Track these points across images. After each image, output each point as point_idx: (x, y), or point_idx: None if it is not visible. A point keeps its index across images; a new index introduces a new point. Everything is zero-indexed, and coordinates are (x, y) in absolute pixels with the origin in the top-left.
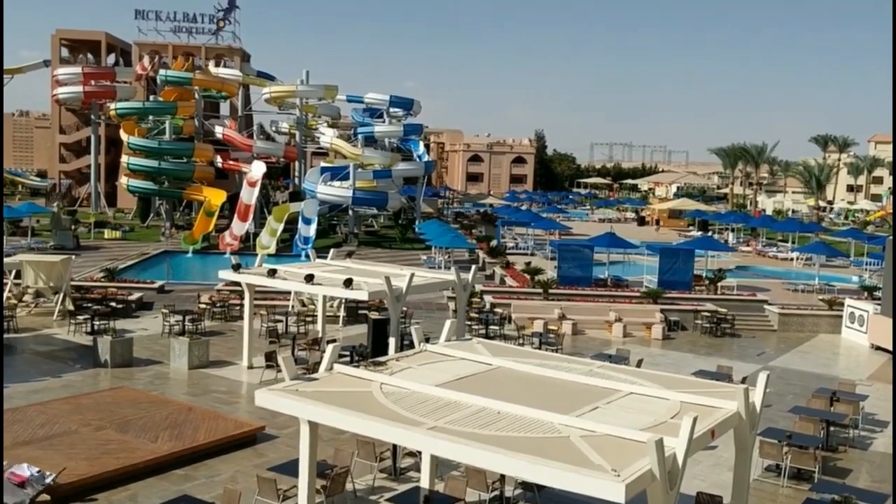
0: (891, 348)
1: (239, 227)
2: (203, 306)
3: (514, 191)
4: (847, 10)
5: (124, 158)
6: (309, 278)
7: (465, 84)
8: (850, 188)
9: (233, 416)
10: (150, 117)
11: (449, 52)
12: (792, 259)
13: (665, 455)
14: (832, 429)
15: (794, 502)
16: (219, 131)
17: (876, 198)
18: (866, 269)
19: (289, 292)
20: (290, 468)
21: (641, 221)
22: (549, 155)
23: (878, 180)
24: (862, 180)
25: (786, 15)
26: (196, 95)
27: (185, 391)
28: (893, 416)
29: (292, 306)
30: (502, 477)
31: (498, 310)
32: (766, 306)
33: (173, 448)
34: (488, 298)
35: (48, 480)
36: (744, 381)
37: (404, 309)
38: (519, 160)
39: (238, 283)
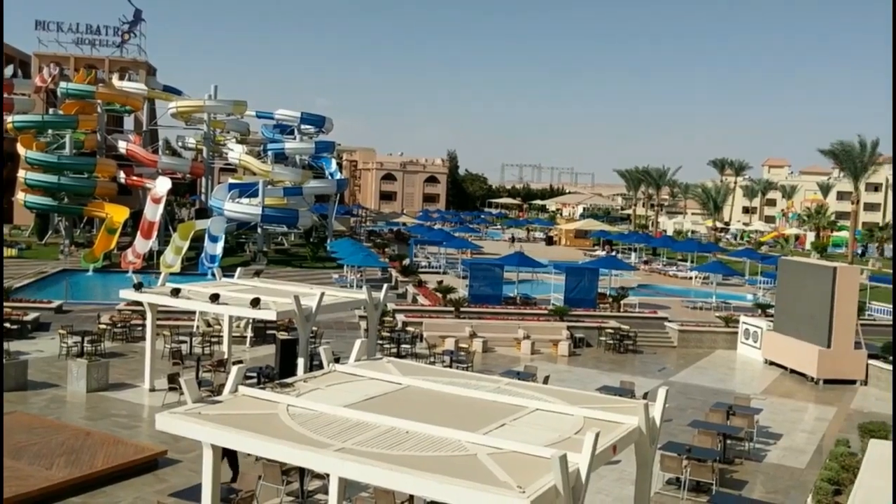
0: (783, 363)
1: (142, 244)
2: (103, 327)
3: (426, 210)
4: (739, 42)
5: (21, 173)
6: (214, 298)
7: (378, 103)
8: (746, 210)
9: (133, 441)
10: (50, 131)
11: (361, 71)
12: (691, 278)
13: (569, 471)
14: (729, 442)
15: None
16: (122, 146)
17: (769, 219)
18: (760, 288)
19: (193, 312)
20: (193, 493)
21: (550, 241)
22: (462, 175)
23: (772, 202)
24: (756, 202)
25: (682, 45)
26: (98, 109)
27: (82, 415)
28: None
29: (197, 327)
30: (411, 497)
31: (410, 328)
32: (666, 323)
33: (69, 475)
34: (400, 317)
35: None
36: (645, 396)
37: (314, 329)
38: (432, 179)
39: (140, 303)
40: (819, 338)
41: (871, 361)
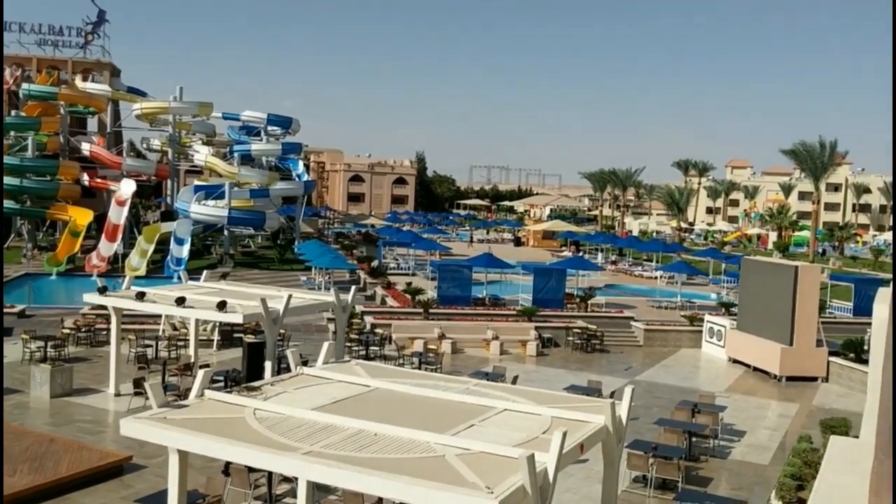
0: (747, 361)
1: (107, 247)
2: (67, 331)
3: (395, 211)
4: (701, 44)
5: None
6: (180, 301)
7: (346, 104)
8: (710, 210)
9: (98, 447)
10: (12, 133)
11: (329, 73)
12: (656, 277)
13: (537, 470)
14: (694, 439)
15: None
16: (86, 148)
17: (733, 219)
18: (724, 287)
19: (159, 316)
20: (160, 499)
21: (518, 242)
22: (430, 176)
23: (735, 203)
24: (720, 203)
25: (646, 48)
26: (61, 111)
27: (46, 421)
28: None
29: (163, 330)
30: (380, 499)
31: (378, 330)
32: (632, 323)
33: (33, 482)
34: (369, 319)
35: None
36: (612, 395)
37: (282, 332)
38: (400, 181)
39: (105, 307)
40: (781, 336)
41: (832, 359)
